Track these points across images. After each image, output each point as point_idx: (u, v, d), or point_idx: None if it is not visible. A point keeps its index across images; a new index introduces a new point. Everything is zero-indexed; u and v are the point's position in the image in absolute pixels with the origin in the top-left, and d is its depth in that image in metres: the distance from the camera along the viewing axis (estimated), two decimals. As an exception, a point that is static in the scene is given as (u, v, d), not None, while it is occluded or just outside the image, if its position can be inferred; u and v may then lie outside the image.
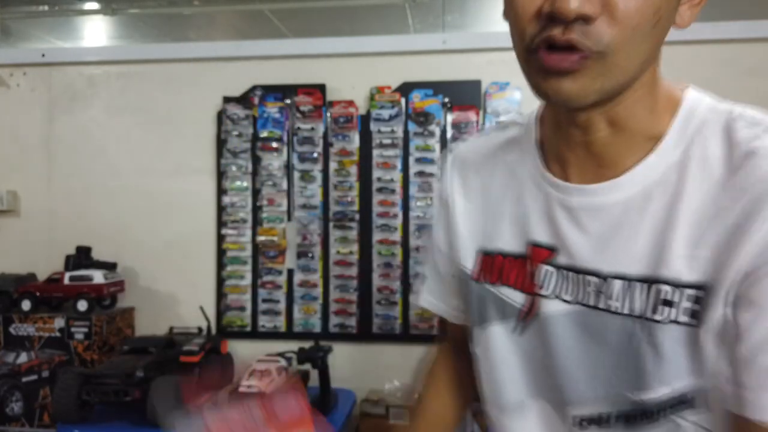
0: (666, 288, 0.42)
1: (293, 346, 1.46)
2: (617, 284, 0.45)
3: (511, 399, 0.52)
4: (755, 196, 0.39)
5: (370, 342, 1.58)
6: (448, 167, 0.60)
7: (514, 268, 0.51)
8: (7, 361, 1.42)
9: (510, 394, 0.52)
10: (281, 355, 1.42)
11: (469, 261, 0.56)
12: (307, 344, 1.42)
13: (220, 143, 1.62)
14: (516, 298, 0.51)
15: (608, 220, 0.45)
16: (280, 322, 1.60)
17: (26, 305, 1.50)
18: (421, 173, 1.56)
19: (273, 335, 1.60)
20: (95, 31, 3.35)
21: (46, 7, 2.74)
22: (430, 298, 0.66)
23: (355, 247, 1.57)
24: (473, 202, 0.56)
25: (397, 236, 1.56)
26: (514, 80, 1.53)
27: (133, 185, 1.68)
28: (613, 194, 0.46)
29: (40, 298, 1.52)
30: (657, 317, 0.42)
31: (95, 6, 2.81)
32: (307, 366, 1.41)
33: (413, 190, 1.56)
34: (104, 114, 1.70)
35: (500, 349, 0.52)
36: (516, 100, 1.52)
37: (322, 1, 2.85)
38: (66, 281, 1.51)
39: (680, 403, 0.43)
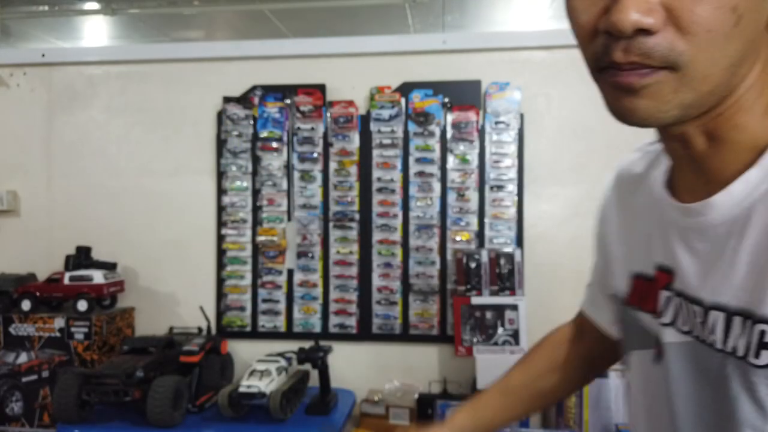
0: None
1: (293, 346, 1.46)
2: (716, 317, 0.40)
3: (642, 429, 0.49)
4: None
5: (370, 342, 1.58)
6: (610, 186, 0.59)
7: (648, 291, 0.48)
8: (7, 361, 1.42)
9: (641, 426, 0.49)
10: (281, 355, 1.43)
11: (621, 283, 0.53)
12: (307, 344, 1.42)
13: (220, 143, 1.62)
14: (650, 323, 0.48)
15: (712, 241, 0.41)
16: (280, 322, 1.60)
17: (26, 305, 1.50)
18: (421, 173, 1.56)
19: (273, 335, 1.60)
20: (95, 31, 3.36)
21: (46, 7, 2.75)
22: (590, 305, 0.66)
23: (355, 247, 1.57)
24: (626, 223, 0.54)
25: (397, 236, 1.56)
26: (514, 80, 1.53)
27: (133, 185, 1.68)
28: (713, 213, 0.41)
29: (40, 298, 1.52)
30: (757, 362, 0.37)
31: (95, 6, 2.81)
32: (307, 366, 1.41)
33: (413, 190, 1.56)
34: (104, 114, 1.70)
35: (638, 378, 0.49)
36: (516, 100, 1.52)
37: (322, 1, 2.86)
38: (66, 281, 1.51)
39: None
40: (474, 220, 1.54)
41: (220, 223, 1.62)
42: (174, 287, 1.65)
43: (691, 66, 0.36)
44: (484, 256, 1.47)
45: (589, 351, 0.69)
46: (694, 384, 0.42)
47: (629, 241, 0.53)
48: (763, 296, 0.37)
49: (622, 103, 0.39)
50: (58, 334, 1.48)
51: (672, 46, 0.35)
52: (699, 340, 0.42)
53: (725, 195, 0.40)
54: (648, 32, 0.35)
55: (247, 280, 1.61)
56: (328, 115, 1.58)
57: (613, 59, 0.37)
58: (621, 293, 0.53)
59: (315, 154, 1.59)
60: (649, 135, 1.33)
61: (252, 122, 1.61)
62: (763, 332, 0.36)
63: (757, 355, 0.37)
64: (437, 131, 1.55)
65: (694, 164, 0.43)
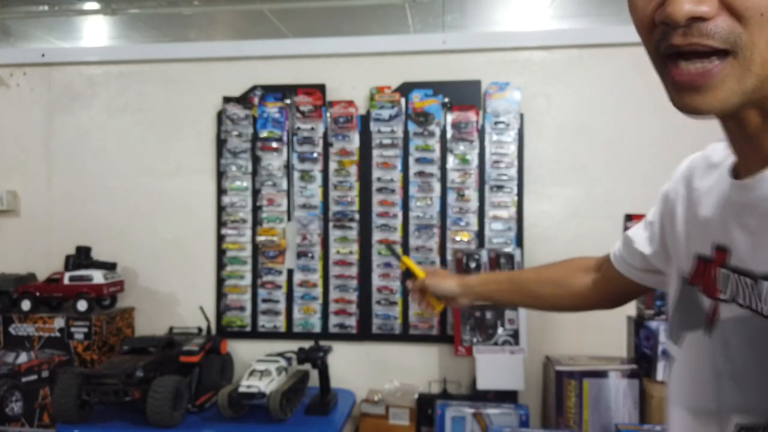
0: None
1: (293, 346, 1.46)
2: (766, 287, 0.42)
3: (701, 404, 0.51)
4: None
5: (370, 342, 1.58)
6: (679, 171, 0.61)
7: (707, 271, 0.50)
8: (7, 361, 1.42)
9: (700, 400, 0.51)
10: (281, 355, 1.43)
11: (686, 263, 0.55)
12: (306, 344, 1.42)
13: (220, 143, 1.62)
14: (705, 303, 0.50)
15: (762, 215, 0.43)
16: (280, 322, 1.60)
17: (26, 305, 1.50)
18: (420, 173, 1.56)
19: (273, 335, 1.60)
20: (95, 31, 3.36)
21: (46, 7, 2.75)
22: (619, 255, 0.73)
23: (354, 247, 1.57)
24: (691, 206, 0.56)
25: (397, 236, 1.56)
26: (514, 80, 1.53)
27: (133, 185, 1.68)
28: (763, 187, 0.43)
29: (40, 298, 1.52)
30: None
31: (95, 6, 2.81)
32: (307, 366, 1.41)
33: (413, 190, 1.56)
34: (104, 114, 1.70)
35: (697, 354, 0.51)
36: (516, 100, 1.53)
37: (322, 1, 2.86)
38: (66, 281, 1.51)
39: None
40: (474, 220, 1.54)
41: (220, 223, 1.62)
42: (174, 287, 1.65)
43: (750, 49, 0.37)
44: (484, 256, 1.47)
45: (595, 286, 0.79)
46: (754, 351, 0.44)
47: (693, 223, 0.55)
48: None
49: (683, 100, 0.40)
50: (58, 334, 1.48)
51: (731, 28, 0.37)
52: (755, 312, 0.43)
53: None
54: (702, 20, 0.36)
55: (247, 280, 1.61)
56: (328, 115, 1.58)
57: (671, 42, 0.38)
58: (685, 273, 0.55)
59: (315, 154, 1.59)
60: (653, 134, 1.32)
61: (252, 122, 1.61)
62: None
63: None
64: (437, 131, 1.55)
65: (751, 142, 0.44)
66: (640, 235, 0.70)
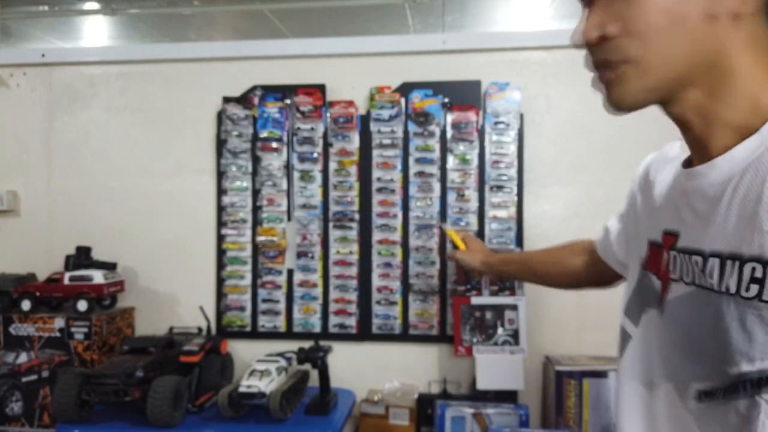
0: (755, 265, 0.43)
1: (293, 346, 1.46)
2: (714, 263, 0.47)
3: (653, 378, 0.55)
4: None
5: (370, 342, 1.58)
6: (641, 168, 0.69)
7: (658, 256, 0.56)
8: (6, 361, 1.42)
9: (653, 373, 0.55)
10: (281, 355, 1.43)
11: (643, 250, 0.61)
12: (306, 344, 1.42)
13: (220, 143, 1.62)
14: (656, 285, 0.56)
15: (710, 201, 0.49)
16: (280, 322, 1.60)
17: (26, 305, 1.50)
18: (420, 173, 1.56)
19: (273, 335, 1.60)
20: (95, 31, 3.36)
21: (46, 7, 2.75)
22: (601, 242, 0.84)
23: (354, 247, 1.57)
24: (648, 198, 0.63)
25: (396, 236, 1.56)
26: (514, 80, 1.53)
27: (133, 185, 1.68)
28: (712, 175, 0.49)
29: (40, 298, 1.52)
30: (747, 294, 0.43)
31: (95, 6, 2.81)
32: (307, 366, 1.41)
33: (413, 190, 1.56)
34: (104, 114, 1.70)
35: (651, 332, 0.56)
36: (516, 100, 1.53)
37: (322, 2, 2.86)
38: (66, 281, 1.52)
39: (763, 382, 0.42)
40: (474, 220, 1.54)
41: (220, 223, 1.62)
42: (174, 287, 1.65)
43: (645, 58, 0.48)
44: (484, 256, 1.47)
45: (588, 268, 0.92)
46: (699, 323, 0.48)
47: (649, 213, 0.63)
48: (751, 239, 0.44)
49: (606, 94, 0.51)
50: (58, 334, 1.48)
51: (625, 46, 0.48)
52: (700, 287, 0.49)
53: (726, 157, 0.48)
54: (608, 38, 0.49)
55: (247, 280, 1.61)
56: (328, 115, 1.58)
57: (593, 63, 0.51)
58: (642, 259, 0.61)
59: (315, 154, 1.59)
60: (652, 134, 1.33)
61: (252, 122, 1.61)
62: (753, 269, 0.43)
63: (747, 290, 0.43)
64: (437, 131, 1.55)
65: (699, 142, 0.51)
66: (614, 227, 0.80)
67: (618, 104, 0.50)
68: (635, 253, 0.63)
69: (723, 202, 0.47)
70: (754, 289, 0.43)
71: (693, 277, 0.49)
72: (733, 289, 0.45)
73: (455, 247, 1.25)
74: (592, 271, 0.90)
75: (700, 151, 0.51)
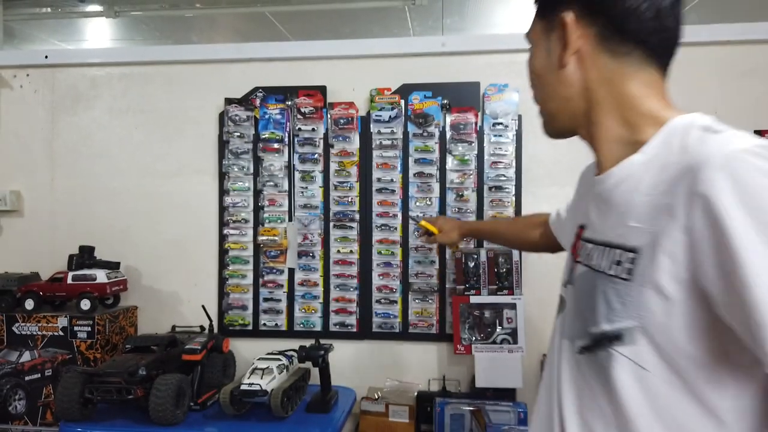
0: (618, 251, 0.57)
1: (294, 344, 1.48)
2: (600, 249, 0.61)
3: (564, 335, 0.68)
4: (680, 198, 0.50)
5: (370, 340, 1.59)
6: (583, 169, 0.80)
7: (576, 243, 0.69)
8: (10, 360, 1.43)
9: (564, 332, 0.68)
10: (282, 353, 1.44)
11: (572, 236, 0.72)
12: (307, 342, 1.43)
13: (222, 144, 1.64)
14: (570, 265, 0.70)
15: (603, 202, 0.62)
16: (281, 321, 1.61)
17: (29, 304, 1.51)
18: (420, 174, 1.58)
19: (274, 334, 1.61)
20: (98, 33, 3.37)
21: (49, 10, 2.76)
22: (554, 220, 1.00)
23: (355, 247, 1.59)
24: (577, 196, 0.80)
25: (396, 236, 1.58)
26: (513, 82, 1.55)
27: (136, 186, 1.69)
28: (605, 183, 0.61)
29: (44, 298, 1.53)
30: (610, 272, 0.57)
31: (98, 8, 2.83)
32: (308, 364, 1.42)
33: (413, 190, 1.58)
34: (107, 115, 1.72)
35: (568, 301, 0.69)
36: (514, 101, 1.54)
37: (323, 4, 2.87)
38: (69, 280, 1.53)
39: (616, 338, 0.55)
40: (472, 220, 1.56)
41: (222, 223, 1.64)
42: (176, 286, 1.67)
43: (547, 112, 0.68)
44: (483, 256, 1.49)
45: (542, 238, 1.11)
46: (585, 295, 0.62)
47: (575, 208, 0.80)
48: (619, 233, 0.57)
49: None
50: (61, 333, 1.49)
51: (537, 100, 0.69)
52: (590, 268, 0.62)
53: (616, 169, 0.60)
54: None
55: (249, 280, 1.62)
56: (329, 116, 1.60)
57: None
58: (571, 243, 0.73)
59: (316, 155, 1.61)
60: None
61: (253, 123, 1.63)
62: (617, 254, 0.57)
63: (610, 269, 0.57)
64: (436, 132, 1.57)
65: (597, 157, 0.65)
66: (563, 212, 0.96)
67: (548, 136, 0.70)
68: (570, 238, 0.74)
69: (611, 204, 0.60)
70: (615, 269, 0.56)
71: (587, 260, 0.63)
72: (603, 269, 0.58)
73: (430, 234, 1.35)
74: (545, 240, 1.08)
75: (600, 164, 0.64)
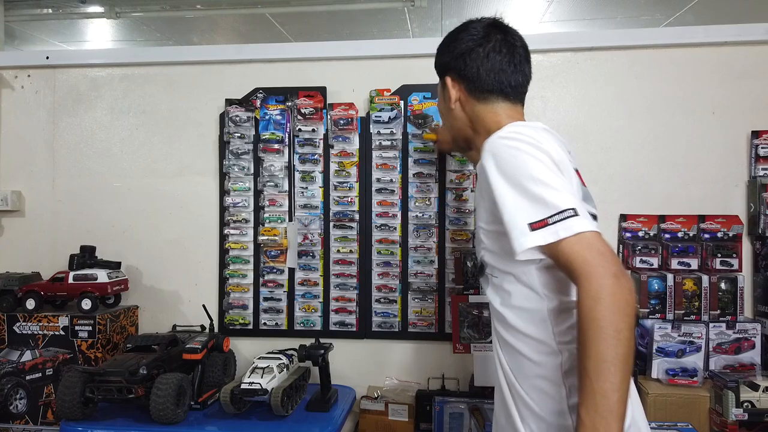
0: (480, 209, 0.91)
1: (294, 343, 1.49)
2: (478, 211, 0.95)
3: None
4: (482, 172, 0.84)
5: (370, 339, 1.60)
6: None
7: None
8: (11, 359, 1.43)
9: None
10: (282, 352, 1.45)
11: None
12: (307, 342, 1.44)
13: (223, 145, 1.65)
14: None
15: (477, 185, 0.92)
16: (282, 320, 1.62)
17: (31, 304, 1.52)
18: (419, 174, 1.59)
19: (274, 333, 1.62)
20: (99, 34, 3.39)
21: (50, 11, 2.77)
22: None
23: (354, 247, 1.60)
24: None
25: (396, 236, 1.59)
26: (511, 83, 1.56)
27: (137, 186, 1.70)
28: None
29: (45, 297, 1.54)
30: (479, 223, 0.91)
31: (99, 9, 2.84)
32: (308, 363, 1.43)
33: (412, 190, 1.59)
34: (108, 116, 1.73)
35: None
36: (513, 102, 1.55)
37: (323, 6, 2.88)
38: (70, 280, 1.53)
39: (483, 263, 0.92)
40: (471, 220, 1.57)
41: (223, 223, 1.65)
42: (177, 286, 1.67)
43: (447, 130, 1.09)
44: (482, 256, 1.50)
45: None
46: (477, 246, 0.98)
47: None
48: (478, 198, 0.91)
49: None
50: (62, 333, 1.50)
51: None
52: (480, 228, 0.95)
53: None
54: None
55: (249, 279, 1.63)
56: (329, 117, 1.61)
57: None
58: None
59: (316, 156, 1.62)
60: (646, 136, 1.35)
61: (254, 124, 1.64)
62: (479, 232, 0.92)
63: (479, 220, 0.91)
64: (436, 133, 1.57)
65: (473, 161, 1.12)
66: None
67: (453, 152, 1.17)
68: None
69: (479, 184, 0.89)
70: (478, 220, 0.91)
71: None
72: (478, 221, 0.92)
73: (434, 142, 1.54)
74: None
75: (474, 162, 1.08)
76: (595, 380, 0.67)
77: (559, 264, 0.75)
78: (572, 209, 0.73)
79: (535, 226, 0.74)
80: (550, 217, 0.73)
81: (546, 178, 0.75)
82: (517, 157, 0.78)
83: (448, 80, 0.98)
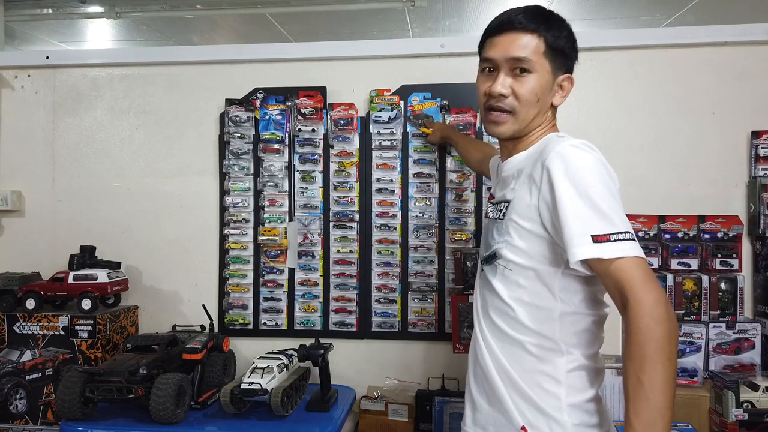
0: (502, 204, 0.94)
1: (294, 343, 1.49)
2: (492, 206, 0.98)
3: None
4: (538, 170, 0.86)
5: (370, 339, 1.60)
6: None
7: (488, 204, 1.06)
8: (11, 359, 1.43)
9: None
10: (282, 352, 1.45)
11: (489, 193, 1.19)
12: (307, 342, 1.44)
13: (223, 145, 1.65)
14: (484, 220, 1.10)
15: (504, 180, 0.97)
16: (282, 320, 1.62)
17: (31, 304, 1.52)
18: (419, 174, 1.59)
19: (274, 333, 1.62)
20: (99, 34, 3.39)
21: (50, 11, 2.77)
22: (493, 161, 1.17)
23: (354, 247, 1.60)
24: (495, 174, 1.13)
25: (396, 236, 1.59)
26: (511, 83, 1.56)
27: (137, 186, 1.70)
28: (507, 165, 0.97)
29: (45, 297, 1.54)
30: (495, 217, 0.95)
31: (99, 9, 2.84)
32: (308, 363, 1.43)
33: (412, 190, 1.59)
34: (108, 116, 1.73)
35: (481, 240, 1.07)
36: (513, 102, 1.55)
37: (323, 6, 2.89)
38: (70, 280, 1.54)
39: (495, 254, 0.92)
40: (471, 220, 1.57)
41: (223, 223, 1.65)
42: (177, 286, 1.67)
43: (518, 113, 0.92)
44: (482, 256, 1.50)
45: (478, 164, 1.40)
46: (485, 236, 1.00)
47: (494, 182, 1.12)
48: (504, 193, 0.94)
49: (491, 128, 0.95)
50: (62, 332, 1.50)
51: (513, 103, 0.92)
52: (489, 219, 0.99)
53: (512, 159, 0.96)
54: (504, 95, 0.92)
55: (249, 279, 1.63)
56: (329, 117, 1.61)
57: (491, 104, 0.94)
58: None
59: (316, 156, 1.62)
60: (645, 137, 1.36)
61: (254, 124, 1.64)
62: (501, 206, 0.94)
63: (495, 215, 0.95)
64: (436, 133, 1.57)
65: (507, 150, 0.99)
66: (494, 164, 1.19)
67: (500, 134, 0.94)
68: (491, 184, 1.19)
69: (510, 181, 0.94)
70: (498, 214, 0.94)
71: (488, 213, 1.00)
72: (494, 216, 0.95)
73: (426, 136, 1.57)
74: (479, 167, 1.39)
75: (505, 154, 0.99)
76: (653, 396, 0.73)
77: (606, 280, 0.79)
78: (630, 233, 0.79)
79: (597, 239, 0.78)
80: (613, 234, 0.78)
81: (612, 198, 0.80)
82: (591, 169, 0.81)
83: (569, 77, 0.95)
